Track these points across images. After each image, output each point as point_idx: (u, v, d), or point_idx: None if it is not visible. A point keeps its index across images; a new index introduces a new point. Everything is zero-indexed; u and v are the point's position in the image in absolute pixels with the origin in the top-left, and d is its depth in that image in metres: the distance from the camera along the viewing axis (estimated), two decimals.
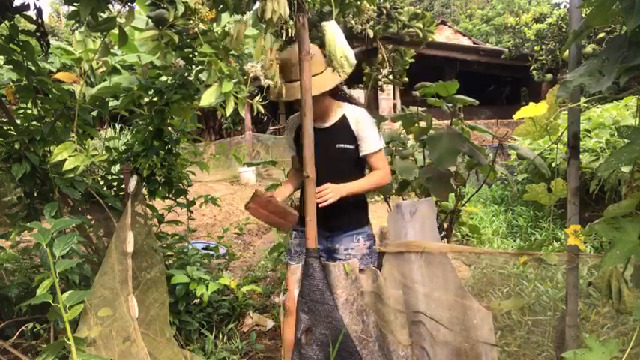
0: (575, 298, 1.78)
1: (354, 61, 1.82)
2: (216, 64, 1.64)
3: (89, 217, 2.55)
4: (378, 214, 6.36)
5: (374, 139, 2.12)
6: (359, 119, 2.13)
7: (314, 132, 2.22)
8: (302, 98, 1.92)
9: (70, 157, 1.93)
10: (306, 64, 1.89)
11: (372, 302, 2.00)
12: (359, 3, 2.30)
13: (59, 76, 2.32)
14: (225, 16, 2.36)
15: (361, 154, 2.13)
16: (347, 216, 2.14)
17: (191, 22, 1.66)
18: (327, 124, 2.18)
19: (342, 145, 2.13)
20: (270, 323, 3.12)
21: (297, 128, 2.31)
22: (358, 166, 2.18)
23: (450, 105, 2.40)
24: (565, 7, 13.63)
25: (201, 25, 1.71)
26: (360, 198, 2.21)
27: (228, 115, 1.66)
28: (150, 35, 1.74)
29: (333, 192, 2.03)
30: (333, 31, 1.78)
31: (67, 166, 1.92)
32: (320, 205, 2.04)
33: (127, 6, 1.90)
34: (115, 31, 1.96)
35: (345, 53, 1.78)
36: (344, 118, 2.15)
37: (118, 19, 1.83)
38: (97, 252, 2.60)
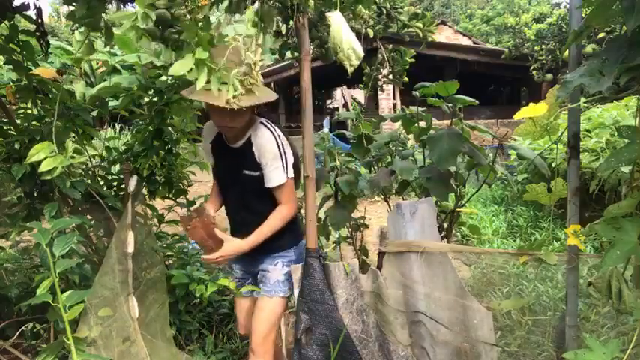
0: (575, 298, 1.79)
1: (361, 54, 1.69)
2: (191, 30, 1.43)
3: (89, 217, 2.55)
4: (377, 214, 6.38)
5: (276, 171, 1.85)
6: (261, 146, 1.84)
7: (226, 151, 1.97)
8: (302, 97, 1.92)
9: (47, 157, 1.83)
10: (306, 64, 1.89)
11: (373, 302, 2.00)
12: (353, 8, 2.27)
13: (38, 71, 2.30)
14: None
15: (265, 185, 1.89)
16: (269, 239, 1.92)
17: (183, 8, 1.54)
18: (237, 145, 1.93)
19: (246, 172, 1.90)
20: None
21: (214, 139, 2.05)
22: (267, 195, 1.91)
23: (450, 105, 2.39)
24: (565, 7, 13.63)
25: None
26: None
27: (200, 87, 1.41)
28: (126, 14, 1.62)
29: (223, 258, 1.89)
30: (338, 21, 1.67)
31: (43, 167, 1.81)
32: (213, 264, 2.00)
33: (117, 4, 1.85)
34: (117, 31, 1.92)
35: (351, 45, 1.67)
36: (249, 142, 1.89)
37: (104, 15, 1.75)
38: (97, 252, 2.60)
